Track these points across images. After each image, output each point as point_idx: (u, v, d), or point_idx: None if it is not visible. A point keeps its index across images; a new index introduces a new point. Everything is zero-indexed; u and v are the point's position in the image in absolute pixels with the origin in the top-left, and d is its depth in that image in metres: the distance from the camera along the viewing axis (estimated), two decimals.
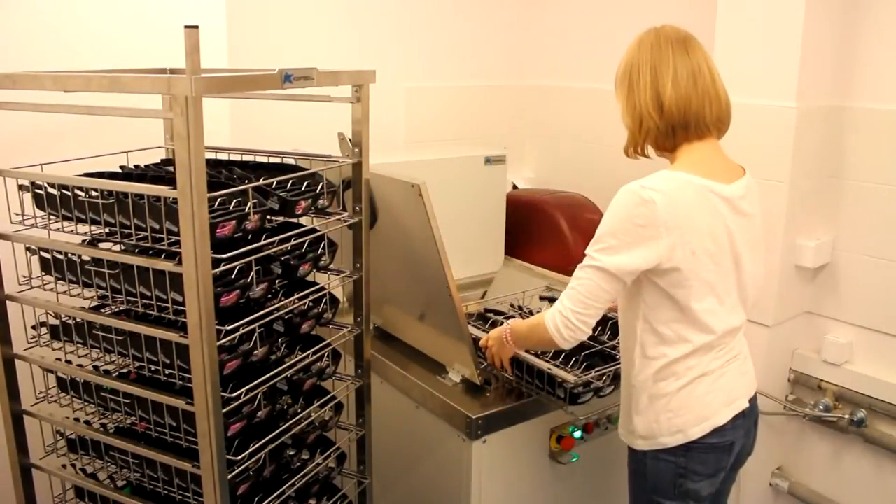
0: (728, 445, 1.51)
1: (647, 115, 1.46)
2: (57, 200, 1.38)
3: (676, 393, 1.48)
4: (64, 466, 1.55)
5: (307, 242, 1.51)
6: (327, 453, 1.63)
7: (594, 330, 1.92)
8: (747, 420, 1.55)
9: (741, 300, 1.53)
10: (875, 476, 2.22)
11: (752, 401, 1.58)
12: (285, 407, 1.51)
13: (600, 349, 1.86)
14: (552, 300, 2.13)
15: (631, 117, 1.50)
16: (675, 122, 1.45)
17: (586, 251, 1.44)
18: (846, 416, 2.21)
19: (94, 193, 1.32)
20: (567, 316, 1.44)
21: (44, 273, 1.46)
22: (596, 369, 1.74)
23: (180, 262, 1.21)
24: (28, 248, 1.44)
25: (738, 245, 1.47)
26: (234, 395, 1.31)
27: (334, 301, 1.61)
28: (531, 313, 2.08)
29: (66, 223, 1.40)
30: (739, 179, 1.50)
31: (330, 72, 1.44)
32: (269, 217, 1.43)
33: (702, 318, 1.45)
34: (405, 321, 2.08)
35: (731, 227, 1.46)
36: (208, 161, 1.32)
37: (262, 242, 1.39)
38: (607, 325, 1.96)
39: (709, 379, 1.49)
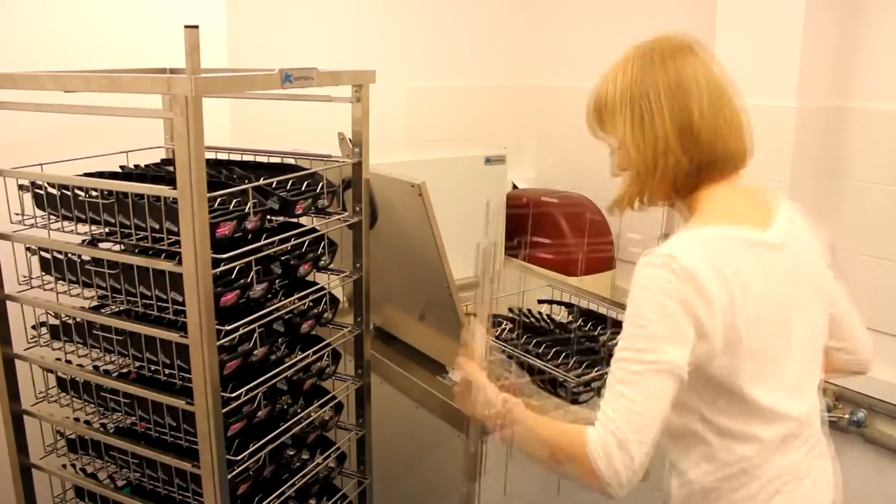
0: None
1: (669, 150, 1.15)
2: (57, 200, 1.38)
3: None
4: (64, 466, 1.55)
5: (307, 242, 1.51)
6: (327, 453, 1.63)
7: (594, 328, 1.93)
8: None
9: (812, 366, 1.22)
10: (875, 476, 2.22)
11: None
12: (285, 407, 1.51)
13: (600, 349, 1.86)
14: (552, 303, 2.14)
15: (640, 154, 1.17)
16: (703, 156, 1.15)
17: (618, 352, 1.08)
18: (846, 416, 2.21)
19: (94, 193, 1.32)
20: (627, 448, 1.01)
21: (44, 273, 1.46)
22: (597, 369, 1.74)
23: (180, 262, 1.21)
24: (28, 248, 1.43)
25: (796, 301, 1.18)
26: (234, 395, 1.31)
27: (334, 301, 1.60)
28: (530, 315, 2.07)
29: (66, 223, 1.40)
30: (775, 218, 1.20)
31: (330, 72, 1.44)
32: (269, 217, 1.43)
33: (767, 404, 1.13)
34: (405, 321, 2.08)
35: (785, 282, 1.16)
36: (208, 161, 1.32)
37: (262, 242, 1.39)
38: (608, 322, 1.96)
39: (792, 485, 1.17)
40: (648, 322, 1.06)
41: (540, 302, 2.14)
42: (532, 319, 2.05)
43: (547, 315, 2.08)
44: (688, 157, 1.15)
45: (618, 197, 1.25)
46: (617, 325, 1.94)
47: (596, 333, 1.91)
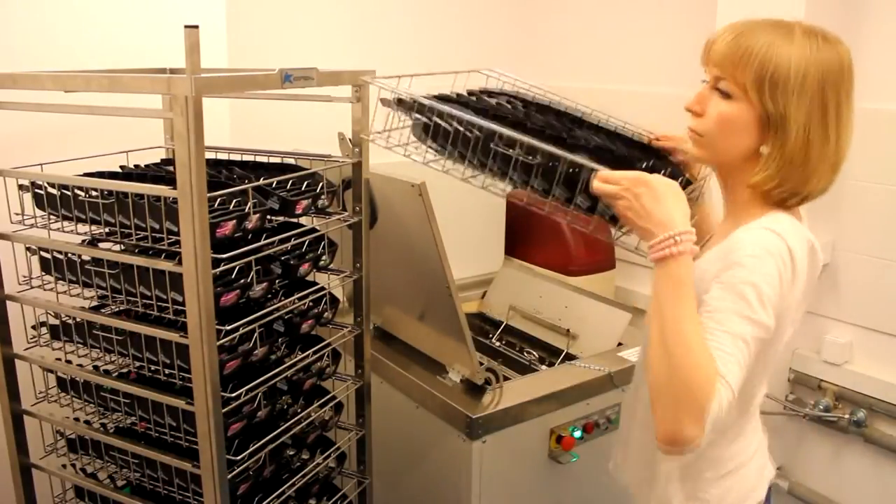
0: None
1: (791, 161, 1.11)
2: (57, 200, 1.38)
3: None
4: (64, 466, 1.55)
5: (307, 242, 1.51)
6: (327, 453, 1.63)
7: None
8: None
9: None
10: (875, 476, 2.22)
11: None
12: (285, 407, 1.51)
13: None
14: None
15: (793, 146, 1.10)
16: (794, 187, 1.13)
17: (734, 305, 1.04)
18: (846, 416, 2.21)
19: (94, 193, 1.32)
20: (730, 403, 1.01)
21: (44, 273, 1.46)
22: None
23: (180, 262, 1.21)
24: (28, 248, 1.43)
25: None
26: (234, 395, 1.31)
27: (334, 301, 1.61)
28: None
29: (66, 223, 1.40)
30: None
31: (330, 72, 1.44)
32: (269, 217, 1.43)
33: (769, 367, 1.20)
34: (405, 321, 2.08)
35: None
36: (208, 161, 1.32)
37: (262, 242, 1.39)
38: None
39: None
40: (763, 281, 1.04)
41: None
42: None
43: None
44: (792, 181, 1.12)
45: (756, 182, 1.13)
46: None
47: None
